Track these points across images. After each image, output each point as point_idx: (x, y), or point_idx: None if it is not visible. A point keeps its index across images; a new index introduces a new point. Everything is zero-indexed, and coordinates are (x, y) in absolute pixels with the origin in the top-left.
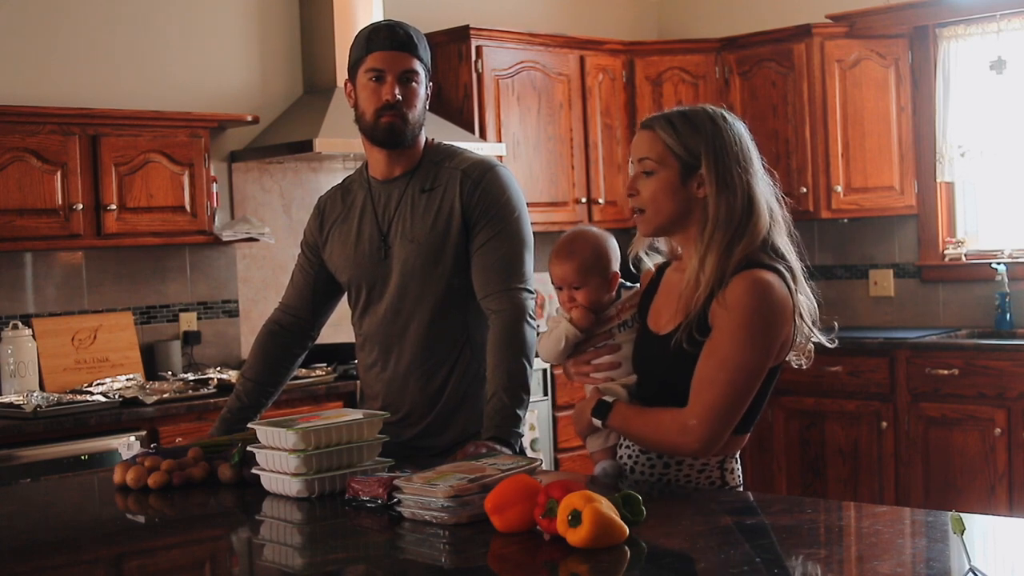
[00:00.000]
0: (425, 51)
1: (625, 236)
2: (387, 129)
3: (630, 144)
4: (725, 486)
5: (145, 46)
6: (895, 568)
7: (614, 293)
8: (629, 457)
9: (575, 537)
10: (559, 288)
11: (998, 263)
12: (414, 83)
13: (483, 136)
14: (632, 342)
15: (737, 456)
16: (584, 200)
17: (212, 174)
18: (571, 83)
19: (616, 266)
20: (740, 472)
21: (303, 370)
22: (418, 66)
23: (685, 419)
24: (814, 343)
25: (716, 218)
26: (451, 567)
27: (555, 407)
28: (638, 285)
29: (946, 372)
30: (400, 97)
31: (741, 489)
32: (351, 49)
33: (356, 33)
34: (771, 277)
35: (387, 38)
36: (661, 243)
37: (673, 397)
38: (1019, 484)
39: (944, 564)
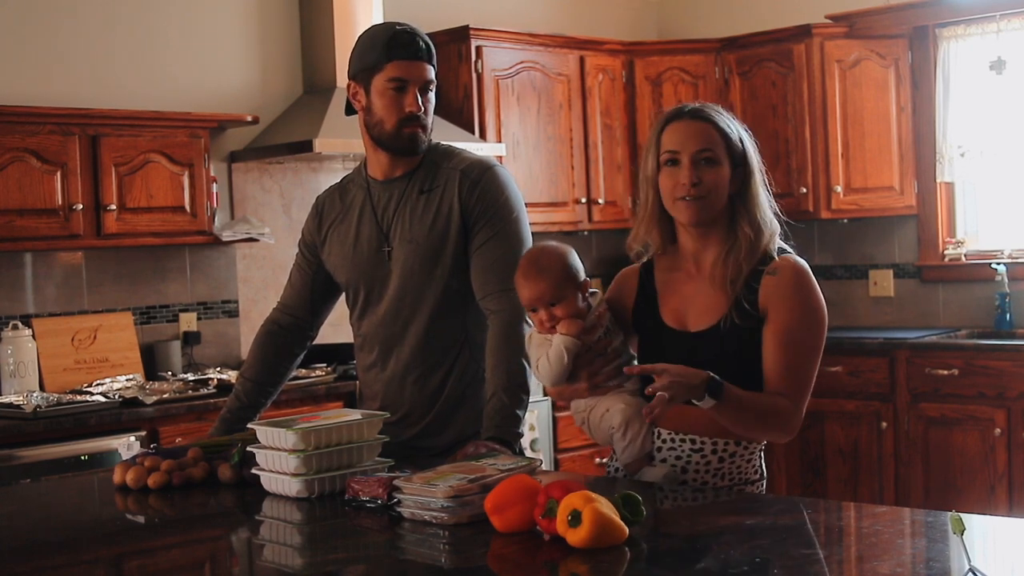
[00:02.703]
0: (436, 58)
1: (622, 236)
2: (410, 139)
3: (662, 134)
4: (763, 475)
5: (145, 46)
6: (895, 568)
7: (587, 303)
8: (678, 458)
9: (575, 537)
10: (533, 310)
11: (998, 263)
12: (430, 92)
13: (483, 136)
14: (622, 345)
15: None
16: (584, 200)
17: (212, 174)
18: (571, 83)
19: (583, 274)
20: None
21: (303, 370)
22: (434, 75)
23: (787, 405)
24: None
25: (761, 209)
26: (451, 567)
27: (555, 407)
28: (596, 291)
29: (946, 372)
30: (422, 108)
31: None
32: (363, 51)
33: (362, 33)
34: (806, 264)
35: (409, 46)
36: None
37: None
38: (1019, 484)
39: (944, 564)
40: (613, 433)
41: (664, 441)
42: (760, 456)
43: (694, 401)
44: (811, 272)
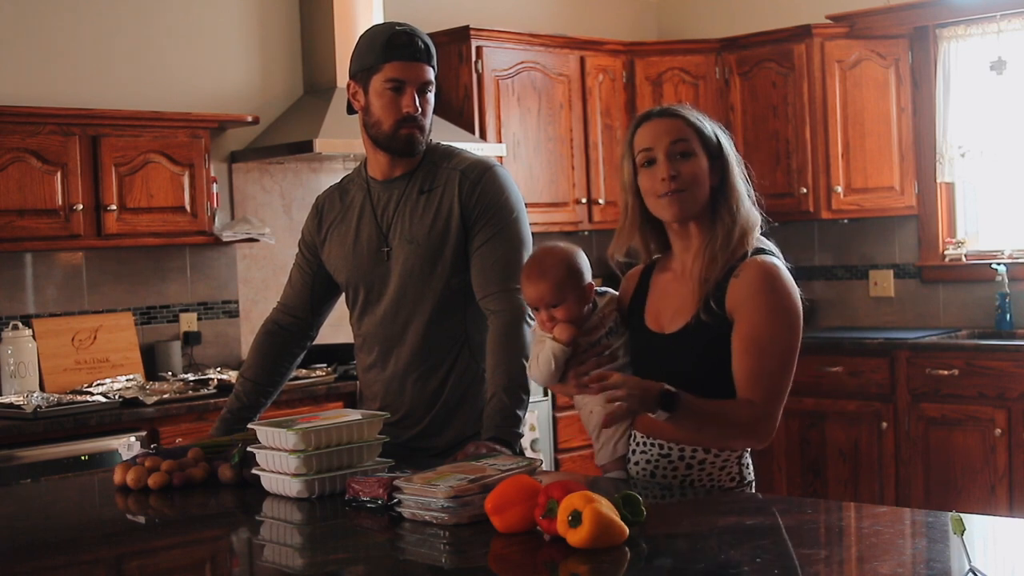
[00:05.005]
0: (436, 58)
1: None
2: (407, 140)
3: (634, 138)
4: (744, 481)
5: (145, 46)
6: (895, 568)
7: (591, 303)
8: (648, 462)
9: (575, 537)
10: (536, 309)
11: (998, 264)
12: (429, 93)
13: (483, 137)
14: (625, 346)
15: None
16: (584, 200)
17: (212, 174)
18: (571, 83)
19: (589, 276)
20: (751, 466)
21: (303, 370)
22: (433, 76)
23: (754, 412)
24: None
25: (740, 200)
26: (451, 567)
27: (555, 408)
28: (609, 290)
29: (946, 372)
30: (420, 109)
31: (754, 483)
32: (362, 51)
33: (363, 32)
34: (779, 262)
35: (407, 47)
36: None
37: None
38: (1019, 484)
39: (944, 565)
40: (592, 433)
41: (638, 444)
42: (739, 463)
43: (649, 413)
44: (783, 272)
